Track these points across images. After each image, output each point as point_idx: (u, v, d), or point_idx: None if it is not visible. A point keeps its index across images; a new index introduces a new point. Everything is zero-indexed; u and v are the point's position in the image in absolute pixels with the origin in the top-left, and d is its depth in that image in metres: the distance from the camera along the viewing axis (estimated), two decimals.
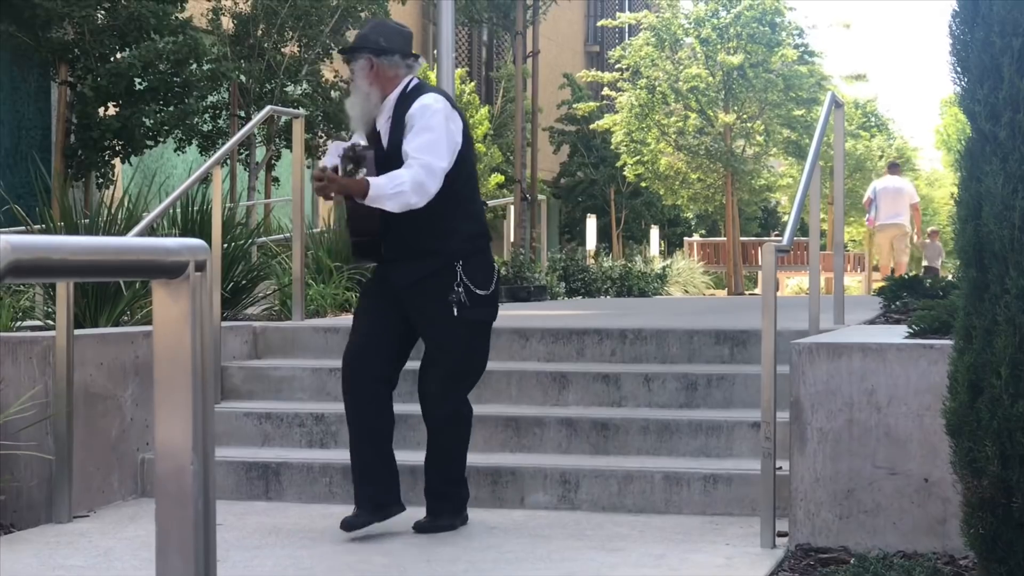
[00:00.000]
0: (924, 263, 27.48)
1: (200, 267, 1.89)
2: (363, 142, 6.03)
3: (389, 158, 5.81)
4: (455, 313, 5.77)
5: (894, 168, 22.26)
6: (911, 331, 5.73)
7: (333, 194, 5.87)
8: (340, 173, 5.77)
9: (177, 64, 15.89)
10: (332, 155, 5.91)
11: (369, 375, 5.87)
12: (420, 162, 5.68)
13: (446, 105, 5.90)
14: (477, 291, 5.84)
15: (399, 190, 5.64)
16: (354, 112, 6.08)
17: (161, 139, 16.37)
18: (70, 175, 15.76)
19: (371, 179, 5.66)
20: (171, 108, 16.19)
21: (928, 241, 27.29)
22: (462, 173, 5.88)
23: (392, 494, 5.89)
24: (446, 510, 6.01)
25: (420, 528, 5.94)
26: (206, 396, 1.89)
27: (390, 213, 5.73)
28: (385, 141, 5.94)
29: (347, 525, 5.76)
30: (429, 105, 5.83)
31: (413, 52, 6.06)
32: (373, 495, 5.84)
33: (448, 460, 6.03)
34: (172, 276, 1.89)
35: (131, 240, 1.86)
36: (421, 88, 5.98)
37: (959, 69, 4.10)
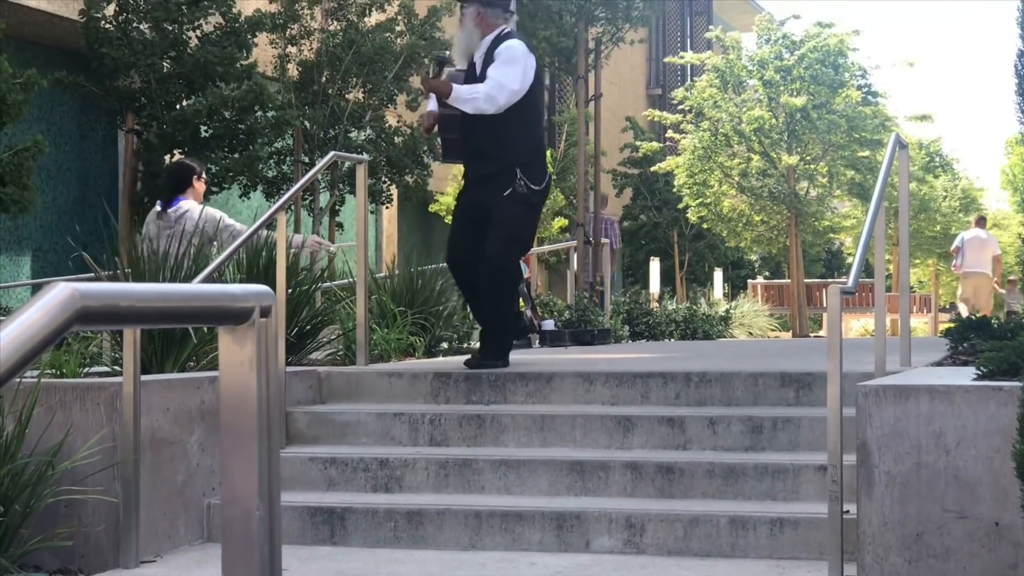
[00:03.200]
0: (1006, 309, 27.53)
1: (265, 313, 1.89)
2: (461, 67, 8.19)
3: (480, 81, 7.90)
4: (515, 192, 7.93)
5: (981, 222, 25.38)
6: (979, 373, 5.67)
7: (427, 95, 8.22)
8: (431, 76, 8.09)
9: (242, 111, 16.01)
10: (433, 100, 8.15)
11: (461, 262, 8.18)
12: (495, 80, 7.83)
13: (525, 48, 8.03)
14: (532, 186, 8.02)
15: (473, 96, 7.81)
16: (459, 45, 8.27)
17: (226, 185, 16.49)
18: (137, 222, 15.89)
19: (454, 85, 7.84)
20: (236, 155, 16.31)
21: (1007, 289, 28.08)
22: (528, 101, 8.00)
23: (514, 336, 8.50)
24: (491, 351, 8.05)
25: (468, 364, 8.00)
26: (271, 442, 1.89)
27: (472, 124, 7.89)
28: (479, 70, 8.06)
29: (468, 365, 8.02)
30: (512, 45, 7.98)
31: (511, 8, 8.21)
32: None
33: (495, 305, 8.09)
34: (238, 322, 1.90)
35: (197, 287, 1.87)
36: (511, 35, 8.14)
37: None
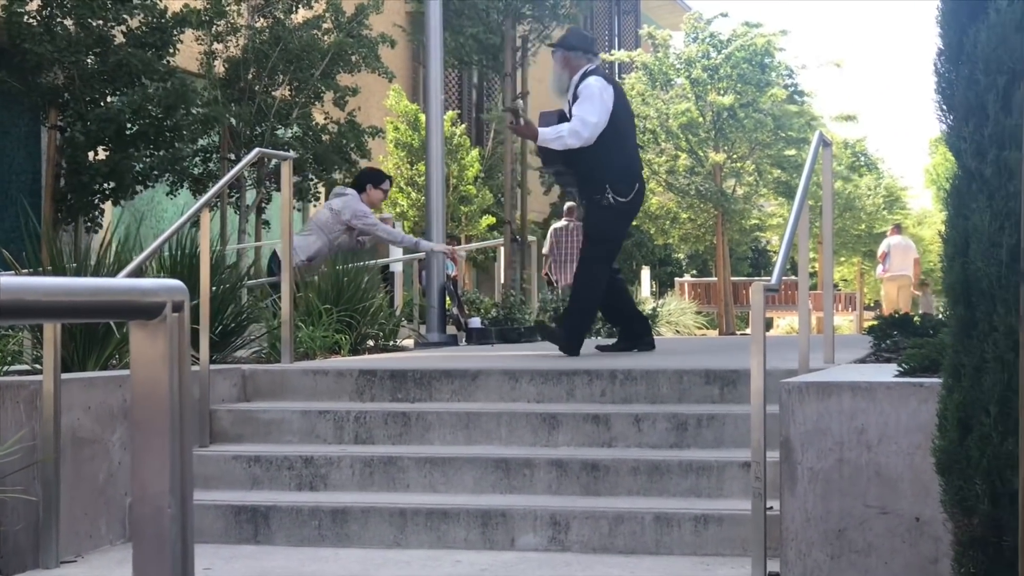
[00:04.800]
0: (921, 310, 28.21)
1: (177, 308, 1.87)
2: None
3: (561, 117, 9.17)
4: (602, 203, 9.07)
5: (898, 229, 28.15)
6: (901, 370, 5.71)
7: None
8: (515, 125, 9.42)
9: (168, 108, 15.89)
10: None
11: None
12: (577, 118, 9.00)
13: (603, 83, 9.13)
14: (619, 198, 9.11)
15: (558, 135, 8.99)
16: (551, 85, 9.53)
17: (151, 183, 16.36)
18: (60, 219, 15.74)
19: (540, 129, 9.07)
20: (161, 152, 16.19)
21: (921, 292, 29.33)
22: (611, 127, 9.06)
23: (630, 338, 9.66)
24: (564, 335, 9.18)
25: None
26: (184, 438, 1.87)
27: (572, 162, 9.11)
28: (566, 107, 9.30)
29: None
30: (589, 83, 9.09)
31: (593, 50, 9.39)
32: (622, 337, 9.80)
33: (575, 301, 9.31)
34: (149, 317, 1.87)
35: (107, 281, 1.84)
36: (591, 73, 9.23)
37: (944, 107, 4.10)
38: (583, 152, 9.05)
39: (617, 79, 31.78)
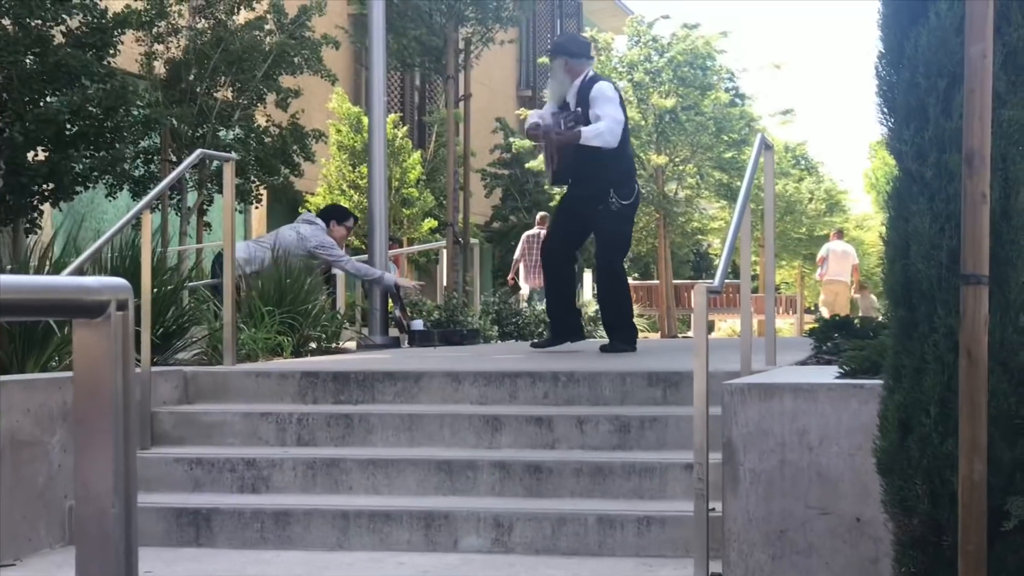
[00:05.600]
0: (860, 313, 28.61)
1: (122, 306, 1.86)
2: (553, 109, 9.80)
3: (576, 118, 9.46)
4: (610, 208, 9.46)
5: (839, 234, 28.68)
6: (842, 371, 5.75)
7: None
8: (563, 128, 9.50)
9: (107, 110, 15.77)
10: (534, 116, 9.80)
11: (556, 256, 9.95)
12: (610, 118, 9.41)
13: (613, 86, 9.74)
14: (623, 201, 9.52)
15: (599, 132, 9.36)
16: (553, 91, 9.84)
17: (91, 184, 16.23)
18: None
19: (581, 129, 9.39)
20: (101, 153, 16.06)
21: (861, 295, 29.92)
22: (620, 145, 9.46)
23: (567, 332, 9.98)
24: (617, 337, 9.68)
25: (603, 348, 9.65)
26: (128, 438, 1.86)
27: (574, 155, 9.41)
28: (573, 106, 9.57)
29: (534, 347, 10.29)
30: (604, 87, 9.61)
31: (591, 55, 9.87)
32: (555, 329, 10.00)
33: (615, 302, 9.80)
34: (92, 316, 1.86)
35: (50, 279, 1.83)
36: (597, 78, 9.78)
37: (885, 110, 4.13)
38: (592, 153, 9.44)
39: None
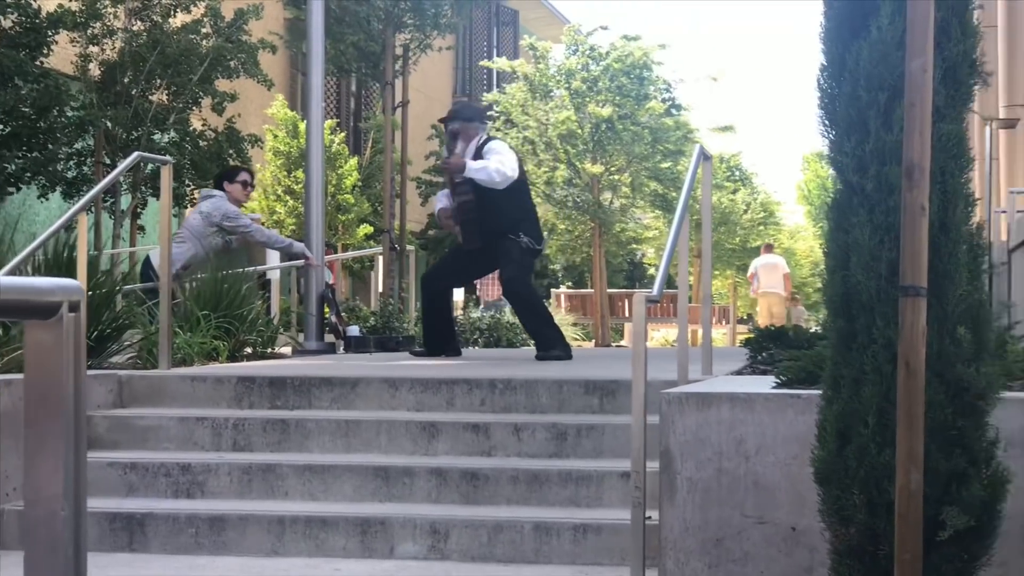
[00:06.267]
0: (793, 322, 29.00)
1: (74, 308, 1.84)
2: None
3: (479, 189, 9.93)
4: (520, 245, 9.96)
5: (769, 248, 29.81)
6: (778, 381, 5.79)
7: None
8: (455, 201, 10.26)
9: (40, 110, 15.65)
10: (440, 200, 10.65)
11: (437, 283, 10.44)
12: (496, 160, 9.92)
13: (508, 146, 10.36)
14: (535, 245, 10.12)
15: (484, 166, 9.88)
16: (446, 155, 10.45)
17: (23, 185, 16.10)
18: None
19: (467, 161, 9.96)
20: (34, 154, 15.93)
21: (791, 305, 30.58)
22: (517, 190, 10.08)
23: (442, 347, 10.37)
24: (542, 345, 10.02)
25: (538, 358, 9.91)
26: (79, 440, 1.84)
27: (481, 208, 9.98)
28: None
29: (414, 355, 10.57)
30: (497, 144, 10.24)
31: (485, 119, 10.65)
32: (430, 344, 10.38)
33: (531, 318, 10.28)
34: (45, 317, 1.85)
35: (4, 279, 1.81)
36: (492, 139, 10.41)
37: (827, 122, 4.17)
38: (496, 208, 9.99)
39: (496, 88, 31.90)
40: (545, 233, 28.94)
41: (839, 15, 4.11)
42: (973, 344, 3.98)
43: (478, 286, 23.71)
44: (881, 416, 3.95)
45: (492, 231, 10.09)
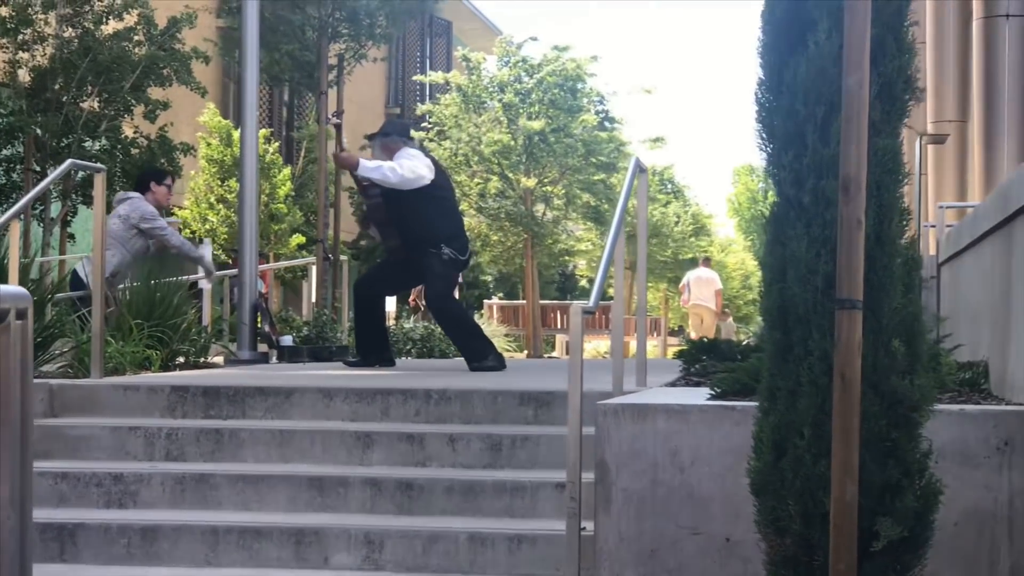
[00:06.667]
0: (723, 336, 29.36)
1: (21, 315, 1.83)
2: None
3: (389, 193, 10.05)
4: (442, 259, 10.02)
5: (707, 262, 30.14)
6: (713, 393, 5.82)
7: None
8: (340, 150, 10.63)
9: None
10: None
11: (370, 290, 10.55)
12: (396, 161, 9.97)
13: (422, 154, 10.30)
14: (459, 256, 10.16)
15: (378, 166, 9.93)
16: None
17: None
18: None
19: (360, 159, 10.06)
20: None
21: (721, 319, 31.13)
22: (436, 195, 10.08)
23: (375, 356, 10.47)
24: (475, 355, 10.06)
25: (472, 368, 9.97)
26: (25, 448, 1.83)
27: (399, 213, 10.05)
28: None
29: (347, 364, 10.67)
30: (409, 150, 10.21)
31: (408, 134, 10.62)
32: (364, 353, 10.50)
33: (458, 333, 10.44)
34: None
35: None
36: (409, 149, 10.27)
37: (764, 136, 4.20)
38: (414, 215, 10.04)
39: (430, 100, 31.90)
40: (477, 244, 29.05)
41: (777, 29, 4.15)
42: (907, 356, 4.02)
43: (413, 295, 23.80)
44: (817, 427, 3.98)
45: (414, 240, 10.14)
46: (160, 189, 11.70)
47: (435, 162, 10.41)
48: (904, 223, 4.07)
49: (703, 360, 8.37)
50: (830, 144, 3.98)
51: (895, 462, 4.01)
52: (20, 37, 17.42)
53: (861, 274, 3.87)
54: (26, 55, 17.57)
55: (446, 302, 10.53)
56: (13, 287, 1.88)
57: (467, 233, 10.92)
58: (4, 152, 17.12)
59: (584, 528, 5.56)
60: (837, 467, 3.89)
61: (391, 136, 10.44)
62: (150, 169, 12.65)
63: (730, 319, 34.86)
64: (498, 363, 10.09)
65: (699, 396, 5.88)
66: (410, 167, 9.96)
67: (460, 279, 11.05)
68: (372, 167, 9.95)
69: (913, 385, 4.01)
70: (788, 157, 4.07)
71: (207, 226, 23.24)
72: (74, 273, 11.57)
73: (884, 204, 4.00)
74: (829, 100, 4.00)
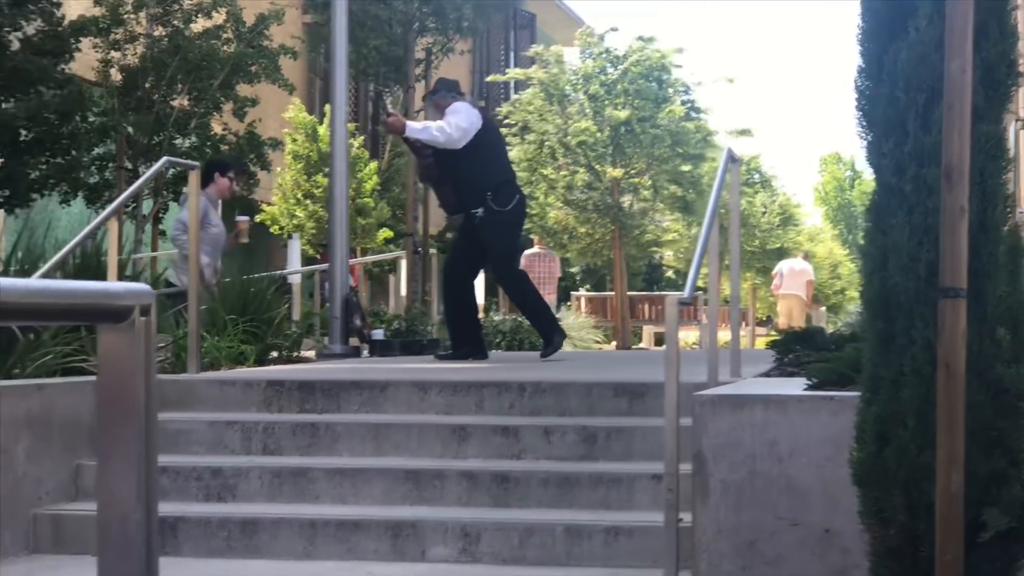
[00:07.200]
0: (814, 324, 29.33)
1: (145, 312, 1.86)
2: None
3: (440, 151, 10.19)
4: (494, 218, 10.11)
5: (806, 256, 31.00)
6: (810, 383, 5.78)
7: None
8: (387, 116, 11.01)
9: (63, 116, 15.71)
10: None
11: (456, 272, 10.61)
12: (444, 120, 10.08)
13: (468, 105, 10.44)
14: (501, 208, 10.13)
15: (425, 127, 10.17)
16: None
17: (47, 191, 16.16)
18: None
19: (408, 122, 10.41)
20: (57, 160, 15.99)
21: (813, 309, 31.16)
22: (482, 145, 10.19)
23: (467, 347, 10.44)
24: (547, 337, 10.52)
25: (542, 356, 10.44)
26: (151, 443, 1.85)
27: (451, 171, 10.21)
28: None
29: (438, 358, 10.60)
30: (455, 105, 10.26)
31: (457, 90, 10.62)
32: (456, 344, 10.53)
33: (525, 306, 10.85)
34: (117, 321, 1.86)
35: (76, 284, 1.82)
36: (456, 102, 10.35)
37: (864, 124, 4.17)
38: (461, 166, 10.16)
39: (514, 93, 31.91)
40: (565, 237, 29.03)
41: (877, 17, 4.11)
42: (1013, 345, 3.98)
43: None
44: (921, 417, 3.95)
45: (466, 191, 10.28)
46: (222, 181, 11.77)
47: (483, 112, 10.68)
48: (1008, 210, 4.03)
49: (796, 350, 8.32)
50: (931, 131, 3.95)
51: (1001, 451, 3.97)
52: (112, 37, 17.63)
53: (965, 262, 3.83)
54: (118, 54, 17.78)
55: (508, 274, 10.67)
56: (138, 285, 1.91)
57: (520, 186, 11.10)
58: (97, 151, 17.32)
59: (681, 520, 5.55)
60: (942, 457, 3.85)
61: (440, 93, 10.62)
62: (215, 159, 12.61)
63: (822, 308, 34.78)
64: (556, 343, 10.51)
65: (795, 386, 5.85)
66: (456, 124, 10.09)
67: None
68: (419, 128, 10.21)
69: (1019, 374, 3.97)
70: (889, 145, 4.04)
71: (295, 222, 23.37)
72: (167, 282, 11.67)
73: (987, 191, 3.96)
74: (930, 87, 3.96)
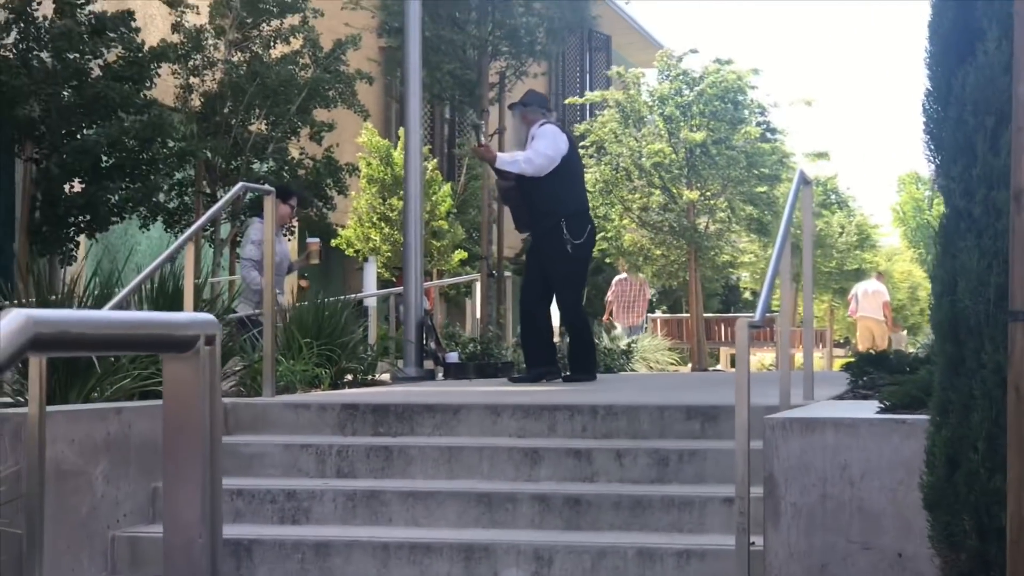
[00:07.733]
0: (894, 347, 29.09)
1: (210, 341, 1.90)
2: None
3: (523, 177, 10.41)
4: (564, 249, 10.41)
5: (880, 276, 30.76)
6: (882, 406, 5.76)
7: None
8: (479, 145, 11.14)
9: (143, 141, 15.90)
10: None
11: (531, 296, 10.68)
12: (532, 149, 10.38)
13: (556, 129, 10.61)
14: (574, 240, 10.39)
15: (515, 159, 10.45)
16: (511, 138, 12.00)
17: (127, 216, 16.35)
18: (35, 252, 15.69)
19: (498, 153, 10.81)
20: (137, 185, 16.18)
21: (894, 331, 31.18)
22: (563, 171, 10.44)
23: (543, 368, 10.60)
24: (578, 367, 10.65)
25: (566, 379, 10.63)
26: (215, 469, 1.90)
27: (528, 193, 10.41)
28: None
29: (512, 380, 10.85)
30: (544, 128, 10.51)
31: (547, 106, 10.97)
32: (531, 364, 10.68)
33: (578, 340, 10.77)
34: (183, 350, 1.90)
35: (143, 314, 1.87)
36: (546, 123, 10.65)
37: (932, 147, 4.16)
38: (540, 189, 10.38)
39: (589, 118, 31.95)
40: (640, 259, 29.00)
41: (945, 40, 4.11)
42: None
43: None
44: (991, 441, 3.93)
45: (539, 215, 10.49)
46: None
47: (569, 136, 10.86)
48: None
49: (870, 373, 8.28)
50: (1000, 154, 3.94)
51: None
52: (191, 62, 17.84)
53: None
54: (197, 80, 17.99)
55: (572, 309, 10.81)
56: (203, 315, 1.95)
57: (593, 217, 11.63)
58: (176, 176, 17.51)
59: (753, 543, 5.55)
60: (1013, 481, 3.83)
61: (531, 106, 10.84)
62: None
63: (903, 331, 34.61)
64: (590, 376, 10.76)
65: (867, 409, 5.83)
66: (543, 153, 10.32)
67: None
68: (509, 161, 10.49)
69: None
70: (957, 168, 4.03)
71: (370, 244, 23.48)
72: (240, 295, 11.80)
73: None
74: (999, 110, 3.96)
